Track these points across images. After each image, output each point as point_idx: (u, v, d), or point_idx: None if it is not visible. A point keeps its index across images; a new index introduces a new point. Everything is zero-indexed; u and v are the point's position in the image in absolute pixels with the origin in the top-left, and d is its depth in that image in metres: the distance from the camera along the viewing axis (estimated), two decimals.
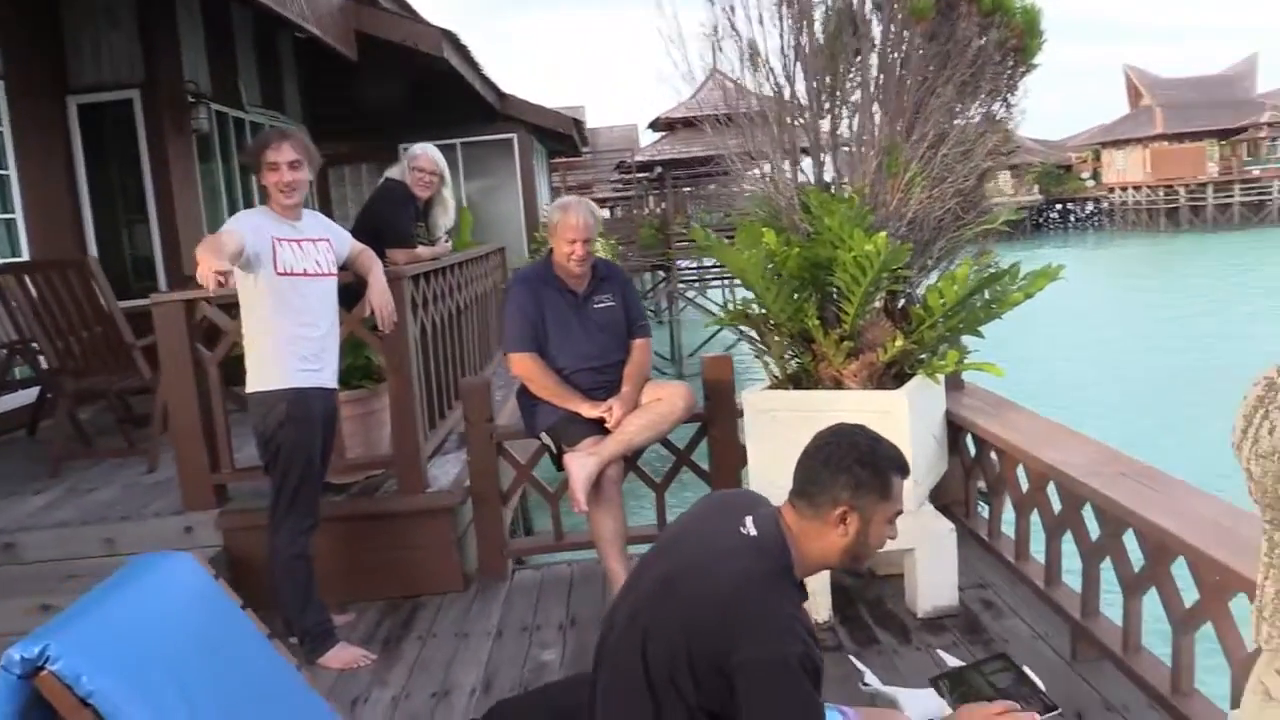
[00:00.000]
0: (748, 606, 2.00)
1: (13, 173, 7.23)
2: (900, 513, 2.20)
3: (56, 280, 5.25)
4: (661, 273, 23.84)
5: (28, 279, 5.34)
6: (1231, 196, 54.59)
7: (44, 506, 4.75)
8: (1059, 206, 62.19)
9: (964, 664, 2.42)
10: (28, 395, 6.46)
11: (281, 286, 3.55)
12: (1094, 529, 3.21)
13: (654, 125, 26.40)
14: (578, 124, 13.78)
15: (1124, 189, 59.61)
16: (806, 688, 1.97)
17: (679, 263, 23.24)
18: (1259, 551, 1.32)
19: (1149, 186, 57.12)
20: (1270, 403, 1.24)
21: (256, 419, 3.60)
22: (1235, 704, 2.52)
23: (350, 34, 8.15)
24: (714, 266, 26.82)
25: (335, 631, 3.76)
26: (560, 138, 13.86)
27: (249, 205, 9.88)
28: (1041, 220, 60.81)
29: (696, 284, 24.92)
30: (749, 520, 2.15)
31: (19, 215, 7.27)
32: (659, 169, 25.12)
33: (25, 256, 7.23)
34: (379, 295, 3.95)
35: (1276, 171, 54.10)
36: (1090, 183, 62.19)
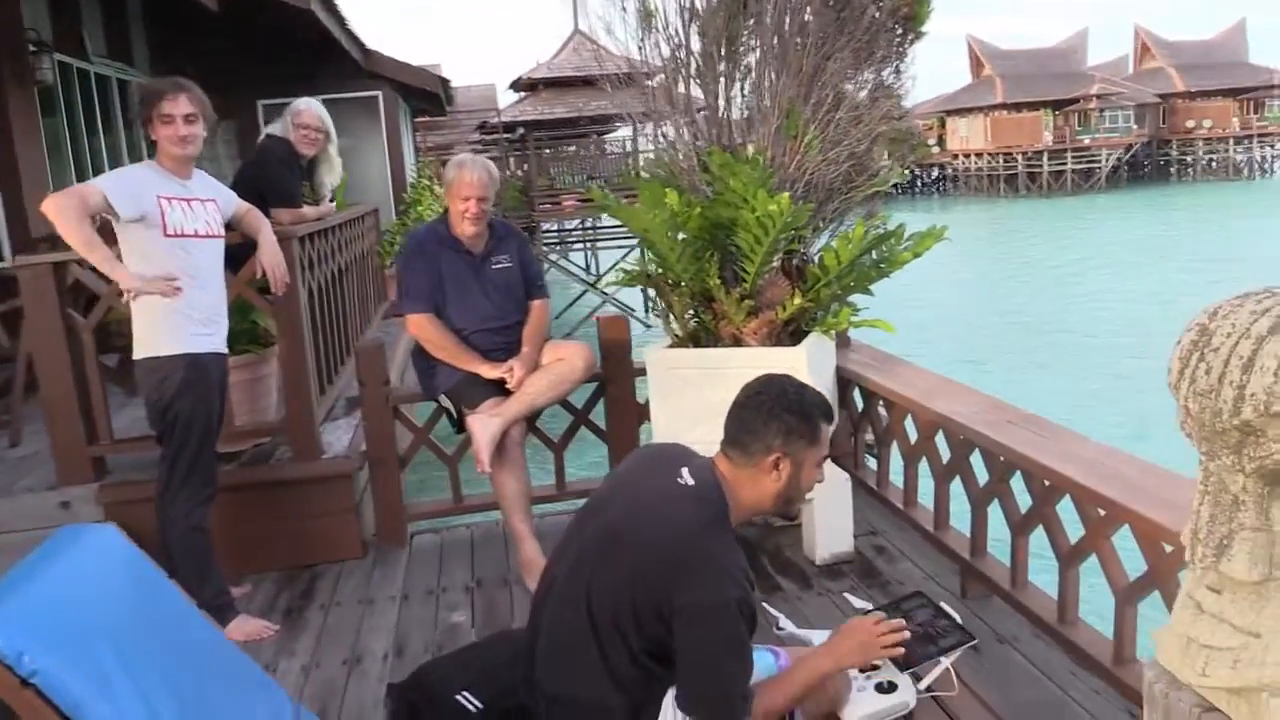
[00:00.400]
0: (690, 553, 2.07)
1: None
2: (827, 456, 2.30)
3: None
4: (525, 235, 23.63)
5: None
6: (1065, 164, 57.78)
7: None
8: (906, 171, 64.26)
9: (884, 603, 2.55)
10: None
11: (172, 248, 3.39)
12: (981, 475, 3.41)
13: (515, 85, 26.08)
14: (444, 82, 13.49)
15: (967, 156, 62.27)
16: (742, 630, 2.06)
17: (542, 225, 23.11)
18: (1196, 481, 1.44)
19: (989, 154, 59.93)
20: (1204, 345, 1.36)
21: (149, 387, 3.44)
22: (1118, 630, 2.75)
23: None
24: (575, 229, 26.87)
25: (235, 603, 3.66)
26: (426, 96, 13.54)
27: (96, 162, 9.35)
28: (891, 185, 62.88)
29: (559, 247, 24.87)
30: (685, 471, 2.21)
31: None
32: (521, 130, 24.81)
33: None
34: (270, 256, 3.82)
35: (1104, 141, 57.52)
36: (935, 149, 64.66)
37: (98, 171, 9.13)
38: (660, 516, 2.14)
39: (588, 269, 27.51)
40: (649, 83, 4.02)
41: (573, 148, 25.69)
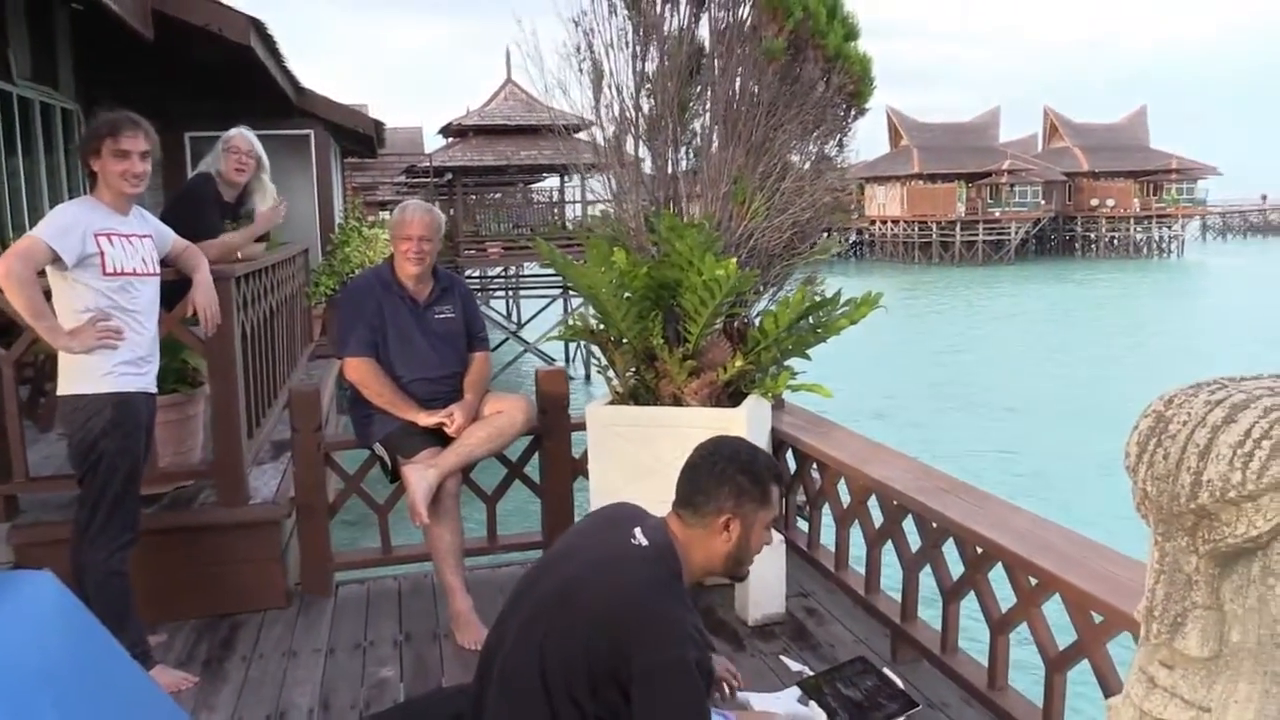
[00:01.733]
0: (645, 613, 2.08)
1: None
2: (776, 518, 2.34)
3: None
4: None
5: None
6: (976, 235, 59.78)
7: None
8: (824, 234, 65.94)
9: (824, 668, 2.58)
10: None
11: (111, 287, 3.31)
12: (914, 540, 3.49)
13: (445, 131, 26.06)
14: (378, 125, 13.42)
15: (884, 222, 64.08)
16: (700, 690, 2.08)
17: (466, 271, 23.04)
18: (1148, 560, 1.51)
19: (905, 221, 61.79)
20: (1161, 432, 1.43)
21: (74, 425, 3.32)
22: (1048, 698, 2.83)
23: (147, 11, 7.63)
24: (497, 277, 26.83)
25: (152, 652, 3.53)
26: (357, 137, 13.45)
27: (14, 184, 9.06)
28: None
29: (481, 293, 24.78)
30: (638, 531, 2.23)
31: None
32: (449, 175, 24.78)
33: None
34: (204, 294, 3.75)
35: (1014, 214, 59.75)
36: (854, 215, 66.28)
37: (14, 195, 8.87)
38: (615, 576, 2.15)
39: (509, 316, 27.44)
40: (600, 140, 4.08)
41: (499, 195, 25.76)
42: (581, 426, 4.36)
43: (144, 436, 3.47)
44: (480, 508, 4.53)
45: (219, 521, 4.10)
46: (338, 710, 3.29)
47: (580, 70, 3.90)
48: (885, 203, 63.82)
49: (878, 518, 3.77)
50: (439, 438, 3.90)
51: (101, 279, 3.28)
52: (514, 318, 27.36)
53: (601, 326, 4.07)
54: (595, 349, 4.10)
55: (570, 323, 4.33)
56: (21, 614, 1.85)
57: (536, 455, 4.49)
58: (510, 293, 27.95)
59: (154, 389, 3.55)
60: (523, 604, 2.24)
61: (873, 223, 65.04)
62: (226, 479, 4.11)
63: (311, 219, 11.87)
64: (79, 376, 3.30)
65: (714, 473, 2.26)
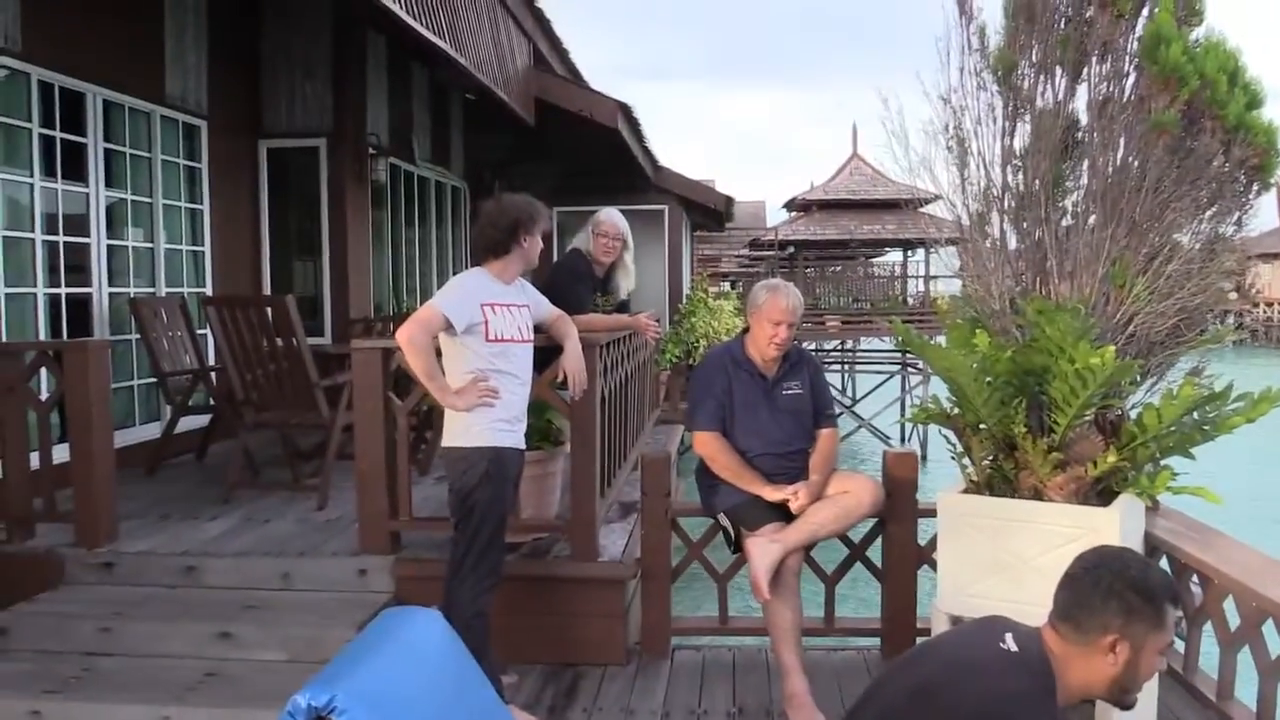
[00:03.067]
0: None
1: (206, 207, 7.65)
2: (1172, 643, 2.09)
3: (254, 314, 5.48)
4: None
5: (226, 310, 5.58)
6: None
7: (222, 534, 4.91)
8: (1204, 318, 60.01)
9: None
10: (200, 420, 6.75)
11: (492, 351, 3.63)
12: None
13: (789, 205, 26.54)
14: (729, 201, 13.91)
15: (1270, 304, 57.20)
16: None
17: (801, 343, 23.13)
18: None
19: None
20: None
21: (454, 474, 3.65)
22: None
23: (530, 100, 8.43)
24: (833, 350, 26.69)
25: (504, 692, 3.76)
26: (707, 212, 14.01)
27: (409, 252, 10.25)
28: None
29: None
30: (1009, 636, 2.08)
31: (207, 248, 7.68)
32: (792, 248, 25.16)
33: (209, 288, 7.61)
34: (573, 362, 4.00)
35: None
36: (1233, 294, 59.86)
37: (408, 260, 10.02)
38: (978, 680, 2.02)
39: (844, 390, 27.16)
40: (964, 217, 3.94)
41: (839, 268, 25.75)
42: (927, 513, 4.19)
43: (512, 489, 3.75)
44: (819, 588, 4.45)
45: (570, 575, 4.32)
46: None
47: (948, 148, 3.81)
48: (1271, 282, 56.98)
49: (1274, 645, 3.30)
50: (783, 513, 3.90)
51: (485, 344, 3.61)
52: (849, 392, 27.04)
53: (957, 410, 3.90)
54: (950, 434, 3.93)
55: (918, 405, 4.18)
56: (417, 650, 2.02)
57: (879, 539, 4.36)
58: (846, 367, 27.71)
59: (523, 445, 3.83)
60: (877, 698, 2.15)
61: (1255, 305, 58.28)
62: (580, 534, 4.33)
63: (661, 289, 12.44)
64: (461, 431, 3.63)
65: (1100, 587, 2.05)
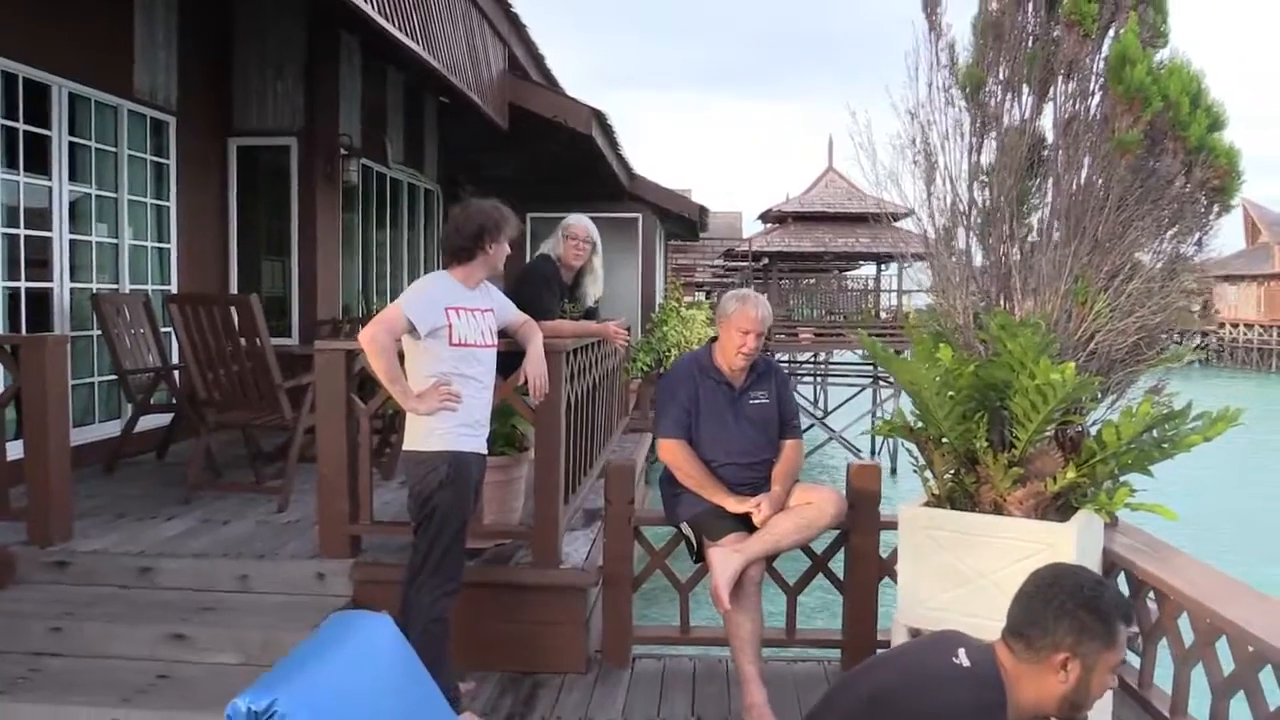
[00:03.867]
0: None
1: (173, 204, 7.57)
2: (1124, 661, 2.10)
3: (217, 313, 5.42)
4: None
5: (189, 308, 5.51)
6: None
7: (180, 534, 4.85)
8: (1163, 336, 60.80)
9: None
10: (162, 419, 6.67)
11: (455, 355, 3.61)
12: (1273, 697, 3.04)
13: (764, 217, 26.66)
14: (703, 211, 13.94)
15: (1234, 325, 57.98)
16: None
17: (775, 355, 23.22)
18: None
19: (1262, 325, 55.54)
20: None
21: (414, 478, 3.62)
22: None
23: (504, 105, 8.41)
24: (806, 362, 26.81)
25: (461, 699, 3.73)
26: (682, 221, 14.03)
27: (380, 254, 10.19)
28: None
29: (789, 378, 24.79)
30: (962, 651, 2.08)
31: (173, 245, 7.59)
32: (766, 260, 25.24)
33: (174, 286, 7.53)
34: (535, 365, 3.98)
35: None
36: (1196, 313, 60.59)
37: (380, 263, 9.95)
38: (929, 692, 2.02)
39: (815, 403, 27.27)
40: (930, 232, 3.96)
41: (812, 280, 25.87)
42: (890, 525, 4.20)
43: (472, 493, 3.72)
44: (781, 599, 4.45)
45: (531, 581, 4.29)
46: None
47: (914, 162, 3.83)
48: (1237, 303, 57.78)
49: (1226, 663, 3.32)
50: (746, 523, 3.90)
51: (448, 348, 3.59)
52: (821, 404, 27.15)
53: (920, 424, 3.92)
54: (912, 447, 3.94)
55: (887, 418, 4.20)
56: (363, 655, 1.99)
57: (842, 550, 4.37)
58: (818, 379, 27.82)
59: (484, 450, 3.80)
60: (830, 709, 2.15)
61: (1221, 325, 59.05)
62: (542, 541, 4.31)
63: (634, 297, 12.44)
64: (423, 435, 3.60)
65: (1052, 605, 2.06)
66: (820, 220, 24.93)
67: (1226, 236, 3.88)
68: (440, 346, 3.59)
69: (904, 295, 23.87)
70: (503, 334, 3.98)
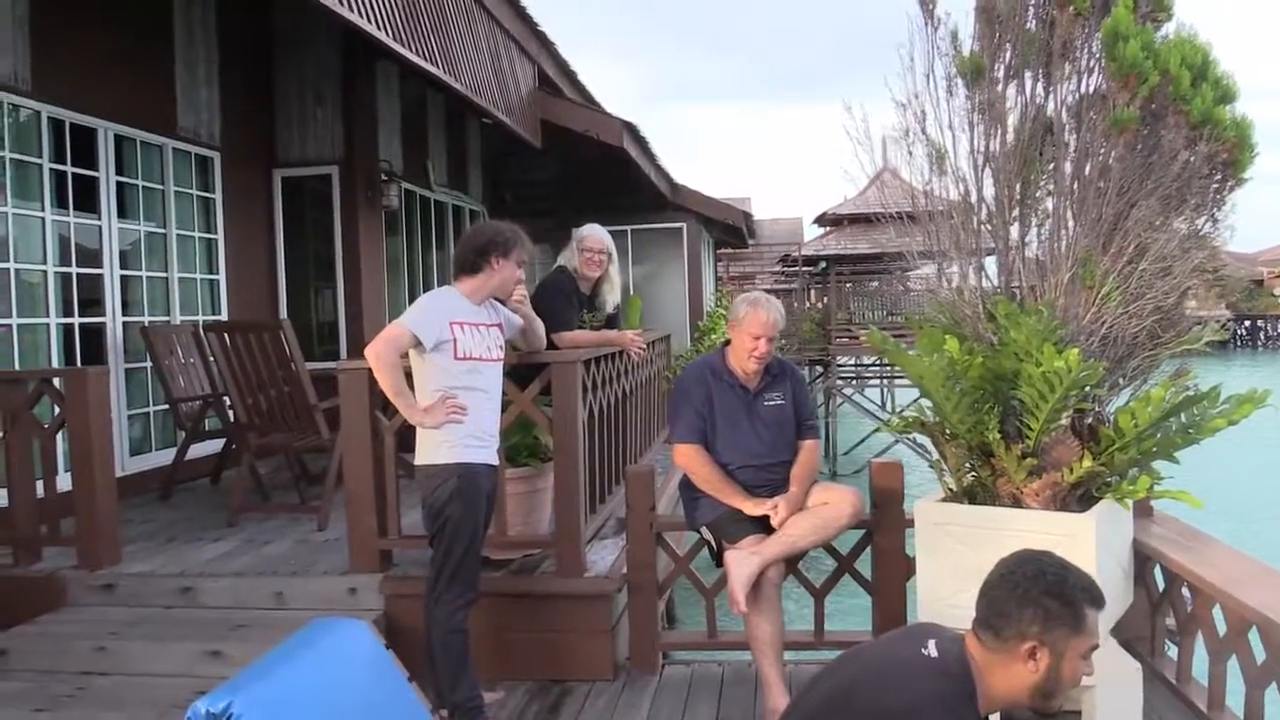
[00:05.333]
0: None
1: (220, 237, 7.80)
2: (1095, 647, 2.05)
3: (254, 340, 5.57)
4: (820, 368, 23.60)
5: (228, 337, 5.68)
6: None
7: (222, 555, 4.99)
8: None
9: None
10: (214, 445, 6.86)
11: (461, 369, 3.67)
12: None
13: (820, 220, 26.45)
14: (747, 217, 13.91)
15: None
16: None
17: (838, 358, 22.99)
18: None
19: None
20: None
21: (426, 490, 3.68)
22: None
23: (536, 122, 8.50)
24: (872, 364, 26.46)
25: (485, 709, 3.76)
26: (728, 229, 14.02)
27: (428, 277, 10.35)
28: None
29: (854, 381, 24.52)
30: (931, 643, 2.06)
31: (222, 276, 7.82)
32: (823, 264, 25.03)
33: (224, 315, 7.75)
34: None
35: None
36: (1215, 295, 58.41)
37: (424, 284, 10.11)
38: (896, 683, 2.00)
39: (883, 405, 26.89)
40: (931, 226, 3.92)
41: (875, 283, 25.54)
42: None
43: (486, 504, 3.77)
44: (809, 601, 4.41)
45: (556, 591, 4.33)
46: None
47: (909, 154, 3.79)
48: None
49: (1260, 654, 3.21)
50: (765, 525, 3.88)
51: (454, 362, 3.65)
52: (888, 407, 26.74)
53: (935, 419, 3.86)
54: (926, 441, 3.89)
55: (904, 414, 4.15)
56: (331, 661, 2.04)
57: (869, 551, 4.32)
58: (885, 381, 27.43)
59: (495, 461, 3.85)
60: (804, 702, 2.14)
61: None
62: (565, 550, 4.34)
63: (682, 305, 12.46)
64: (432, 448, 3.67)
65: (1015, 593, 2.03)
66: (877, 221, 24.63)
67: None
68: (446, 360, 3.65)
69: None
70: (513, 348, 4.04)
